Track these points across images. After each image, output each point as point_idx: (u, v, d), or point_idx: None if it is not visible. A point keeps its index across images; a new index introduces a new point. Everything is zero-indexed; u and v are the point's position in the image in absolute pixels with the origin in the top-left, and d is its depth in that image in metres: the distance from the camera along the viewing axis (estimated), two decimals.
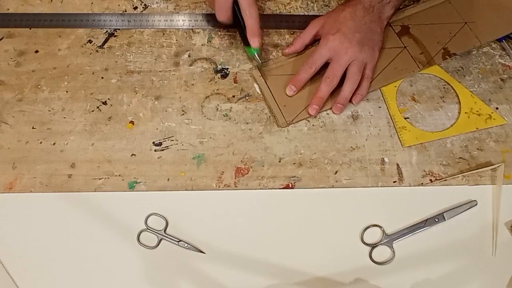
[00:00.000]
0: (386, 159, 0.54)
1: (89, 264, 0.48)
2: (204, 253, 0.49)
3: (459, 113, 0.57)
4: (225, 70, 0.59)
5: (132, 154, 0.53)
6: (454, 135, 0.56)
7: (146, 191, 0.51)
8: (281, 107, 0.55)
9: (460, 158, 0.54)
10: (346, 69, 0.54)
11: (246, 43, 0.56)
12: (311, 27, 0.58)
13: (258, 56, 0.56)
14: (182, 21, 0.62)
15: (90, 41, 0.60)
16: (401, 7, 0.61)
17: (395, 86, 0.58)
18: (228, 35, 0.62)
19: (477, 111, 0.57)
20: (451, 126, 0.56)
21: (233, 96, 0.57)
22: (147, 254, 0.49)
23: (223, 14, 0.54)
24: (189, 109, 0.56)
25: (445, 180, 0.53)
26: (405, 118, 0.56)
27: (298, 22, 0.63)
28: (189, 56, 0.60)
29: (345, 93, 0.55)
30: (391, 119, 0.56)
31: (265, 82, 0.57)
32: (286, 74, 0.57)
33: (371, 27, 0.56)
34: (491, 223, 0.51)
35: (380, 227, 0.50)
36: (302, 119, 0.56)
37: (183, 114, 0.56)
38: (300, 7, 0.64)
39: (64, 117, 0.55)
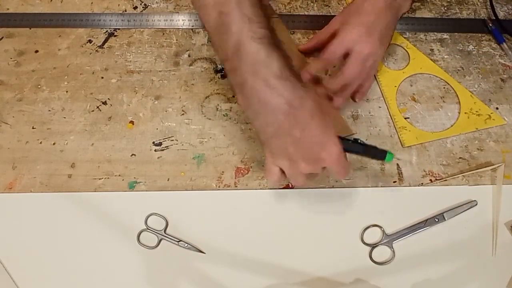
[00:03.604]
0: None
1: (89, 264, 0.48)
2: (204, 253, 0.49)
3: (459, 113, 0.57)
4: None
5: (132, 154, 0.53)
6: (454, 135, 0.56)
7: (146, 191, 0.51)
8: None
9: (460, 158, 0.54)
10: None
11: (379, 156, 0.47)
12: (331, 23, 0.54)
13: None
14: (182, 21, 0.62)
15: (90, 41, 0.60)
16: None
17: (395, 86, 0.58)
18: None
19: (476, 111, 0.57)
20: (451, 126, 0.56)
21: (233, 96, 0.57)
22: (147, 254, 0.49)
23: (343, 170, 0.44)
24: (189, 109, 0.56)
25: (445, 180, 0.53)
26: (405, 118, 0.56)
27: (298, 22, 0.63)
28: (189, 56, 0.60)
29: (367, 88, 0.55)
30: (391, 119, 0.56)
31: None
32: None
33: (390, 22, 0.52)
34: (491, 223, 0.51)
35: (380, 227, 0.50)
36: None
37: (183, 114, 0.56)
38: (300, 6, 0.64)
39: (64, 117, 0.55)
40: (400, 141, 0.55)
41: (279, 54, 0.39)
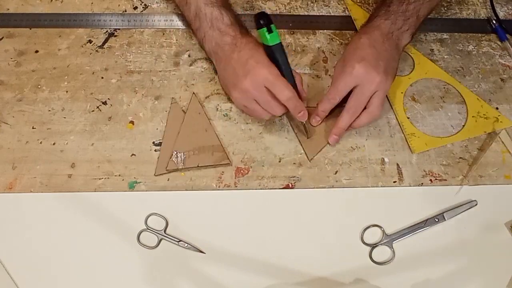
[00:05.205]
0: (386, 159, 0.54)
1: (89, 264, 0.48)
2: (204, 253, 0.49)
3: (467, 117, 0.56)
4: None
5: (132, 154, 0.53)
6: (462, 140, 0.55)
7: (146, 191, 0.51)
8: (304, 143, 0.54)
9: (460, 158, 0.54)
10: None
11: None
12: (337, 73, 0.52)
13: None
14: (182, 21, 0.62)
15: (90, 41, 0.60)
16: None
17: (402, 93, 0.58)
18: None
19: (484, 114, 0.57)
20: (459, 131, 0.56)
21: None
22: (147, 254, 0.49)
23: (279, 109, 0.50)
24: None
25: (445, 180, 0.53)
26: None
27: (298, 22, 0.63)
28: (189, 56, 0.60)
29: (357, 123, 0.52)
30: (400, 125, 0.56)
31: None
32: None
33: (391, 54, 0.52)
34: (491, 223, 0.51)
35: (380, 227, 0.50)
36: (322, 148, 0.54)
37: None
38: (300, 7, 0.64)
39: (64, 117, 0.55)
40: (410, 147, 0.54)
41: (228, 11, 0.53)
